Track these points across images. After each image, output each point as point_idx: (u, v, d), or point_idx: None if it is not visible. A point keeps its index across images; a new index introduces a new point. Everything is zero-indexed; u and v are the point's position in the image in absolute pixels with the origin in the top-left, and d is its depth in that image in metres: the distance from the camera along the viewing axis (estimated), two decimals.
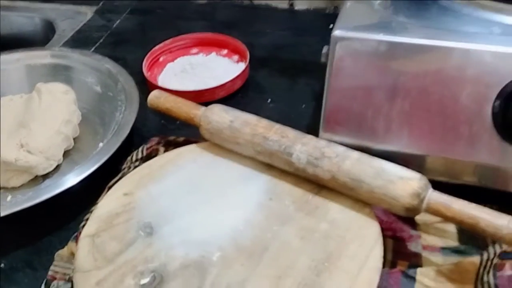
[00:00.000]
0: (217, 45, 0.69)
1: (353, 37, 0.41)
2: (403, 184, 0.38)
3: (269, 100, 0.62)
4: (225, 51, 0.69)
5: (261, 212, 0.41)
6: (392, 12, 0.45)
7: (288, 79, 0.66)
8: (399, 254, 0.42)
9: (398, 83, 0.41)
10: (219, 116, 0.46)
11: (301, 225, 0.40)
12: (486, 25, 0.42)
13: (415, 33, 0.42)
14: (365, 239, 0.39)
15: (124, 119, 0.53)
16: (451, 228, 0.43)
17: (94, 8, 0.85)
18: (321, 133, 0.44)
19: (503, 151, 0.40)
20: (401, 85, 0.41)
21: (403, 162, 0.41)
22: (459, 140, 0.41)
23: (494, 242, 0.39)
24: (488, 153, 0.41)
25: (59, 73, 0.62)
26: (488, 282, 0.38)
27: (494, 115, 0.39)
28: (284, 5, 0.80)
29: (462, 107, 0.41)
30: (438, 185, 0.40)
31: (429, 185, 0.39)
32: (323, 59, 0.43)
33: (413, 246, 0.42)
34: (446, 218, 0.38)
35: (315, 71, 0.46)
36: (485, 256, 0.40)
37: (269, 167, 0.45)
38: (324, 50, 0.43)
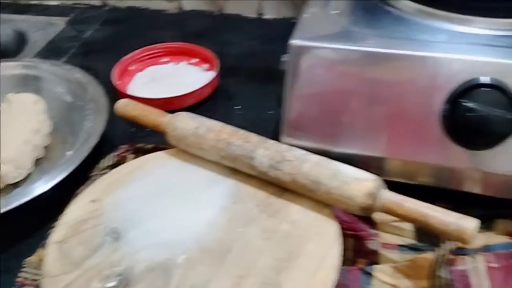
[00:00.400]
0: (187, 54, 0.71)
1: (310, 46, 0.43)
2: (358, 184, 0.40)
3: (237, 107, 0.64)
4: (195, 60, 0.70)
5: (225, 215, 0.43)
6: (348, 22, 0.47)
7: (256, 86, 0.67)
8: (359, 253, 0.44)
9: (354, 89, 0.43)
10: (185, 123, 0.47)
11: (263, 226, 0.42)
12: (434, 32, 0.44)
13: (370, 41, 0.44)
14: (324, 238, 0.40)
15: (93, 127, 0.54)
16: (408, 226, 0.45)
17: (66, 19, 0.86)
18: (282, 138, 0.46)
19: (454, 152, 0.42)
20: (357, 91, 0.43)
21: (363, 164, 0.43)
22: (413, 142, 0.43)
23: (447, 239, 0.42)
24: (441, 155, 0.43)
25: (29, 83, 0.63)
26: (442, 277, 0.40)
27: (444, 118, 0.41)
28: (253, 14, 0.82)
29: (415, 111, 0.43)
30: (397, 186, 0.42)
31: (383, 185, 0.41)
32: (283, 67, 0.45)
33: (372, 245, 0.44)
34: (399, 217, 0.40)
35: (282, 78, 0.48)
36: (438, 252, 0.42)
37: (234, 172, 0.46)
38: (284, 58, 0.45)
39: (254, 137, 0.45)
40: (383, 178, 0.42)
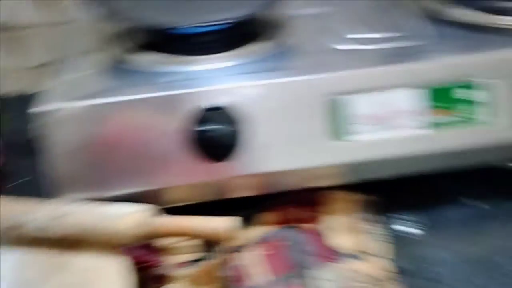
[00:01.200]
0: None
1: (53, 109, 0.47)
2: (127, 219, 0.43)
3: (23, 180, 0.64)
4: None
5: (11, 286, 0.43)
6: (90, 81, 0.52)
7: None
8: (155, 280, 0.47)
9: (108, 137, 0.47)
10: None
11: (55, 284, 0.43)
12: (173, 76, 0.51)
13: (114, 94, 0.49)
14: (113, 277, 0.43)
15: None
16: (195, 242, 0.50)
17: None
18: (55, 196, 0.48)
19: (207, 168, 0.48)
20: (111, 138, 0.47)
21: (139, 199, 0.46)
22: (174, 170, 0.48)
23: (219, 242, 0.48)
24: (198, 174, 0.49)
25: None
26: (224, 276, 0.46)
27: (190, 143, 0.48)
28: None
29: (168, 143, 0.48)
30: (182, 209, 0.47)
31: (154, 213, 0.45)
32: (31, 135, 0.47)
33: (165, 269, 0.48)
34: (173, 235, 0.45)
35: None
36: (218, 255, 0.48)
37: (18, 241, 0.47)
38: (31, 126, 0.47)
39: (26, 204, 0.46)
40: (165, 206, 0.47)
